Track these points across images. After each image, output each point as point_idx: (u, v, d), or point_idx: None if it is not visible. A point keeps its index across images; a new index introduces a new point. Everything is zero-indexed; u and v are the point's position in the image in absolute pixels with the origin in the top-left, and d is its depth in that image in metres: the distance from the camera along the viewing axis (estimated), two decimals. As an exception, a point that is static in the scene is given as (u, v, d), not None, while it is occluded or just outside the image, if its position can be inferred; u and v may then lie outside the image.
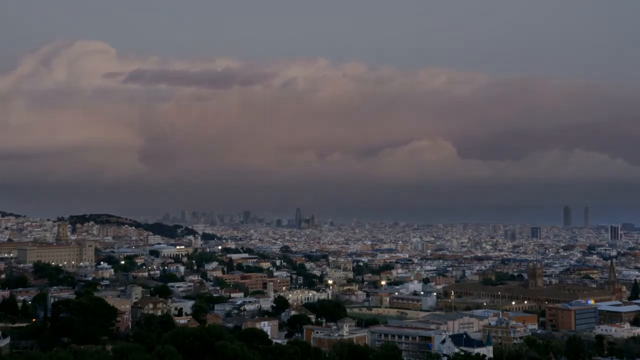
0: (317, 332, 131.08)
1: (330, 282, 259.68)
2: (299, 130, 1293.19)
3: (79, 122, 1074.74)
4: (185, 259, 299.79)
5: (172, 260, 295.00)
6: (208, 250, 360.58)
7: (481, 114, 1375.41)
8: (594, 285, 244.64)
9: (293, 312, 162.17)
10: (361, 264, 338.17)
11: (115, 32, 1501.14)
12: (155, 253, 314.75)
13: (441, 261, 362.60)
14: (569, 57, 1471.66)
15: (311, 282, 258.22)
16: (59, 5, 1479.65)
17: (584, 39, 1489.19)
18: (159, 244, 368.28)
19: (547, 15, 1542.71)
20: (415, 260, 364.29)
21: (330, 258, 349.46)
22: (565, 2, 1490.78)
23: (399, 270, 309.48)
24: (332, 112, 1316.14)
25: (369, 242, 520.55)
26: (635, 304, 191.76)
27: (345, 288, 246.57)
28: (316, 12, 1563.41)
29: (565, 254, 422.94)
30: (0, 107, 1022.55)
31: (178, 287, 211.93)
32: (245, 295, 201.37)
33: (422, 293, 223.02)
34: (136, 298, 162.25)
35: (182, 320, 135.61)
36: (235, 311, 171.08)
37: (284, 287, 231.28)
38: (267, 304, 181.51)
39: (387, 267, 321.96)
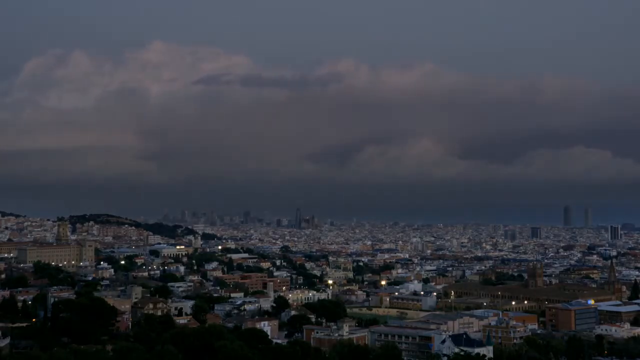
0: (317, 332, 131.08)
1: (330, 282, 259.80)
2: (303, 131, 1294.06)
3: (83, 121, 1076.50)
4: (185, 259, 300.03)
5: (172, 260, 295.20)
6: (208, 250, 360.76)
7: (482, 113, 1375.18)
8: (594, 285, 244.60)
9: (293, 312, 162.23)
10: (361, 264, 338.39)
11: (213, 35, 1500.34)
12: (155, 253, 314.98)
13: (441, 261, 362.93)
14: (569, 56, 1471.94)
15: (311, 282, 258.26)
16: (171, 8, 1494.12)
17: (583, 37, 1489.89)
18: (159, 244, 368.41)
19: (547, 15, 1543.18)
20: (415, 260, 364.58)
21: (330, 258, 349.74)
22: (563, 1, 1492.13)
23: (399, 270, 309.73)
24: (332, 111, 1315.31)
25: (369, 242, 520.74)
26: (635, 304, 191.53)
27: (345, 288, 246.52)
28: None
29: (565, 254, 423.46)
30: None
31: (178, 287, 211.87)
32: (245, 295, 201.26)
33: (422, 293, 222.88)
34: (136, 298, 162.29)
35: (182, 320, 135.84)
36: (235, 311, 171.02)
37: (284, 287, 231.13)
38: (267, 304, 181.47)
39: (387, 267, 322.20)
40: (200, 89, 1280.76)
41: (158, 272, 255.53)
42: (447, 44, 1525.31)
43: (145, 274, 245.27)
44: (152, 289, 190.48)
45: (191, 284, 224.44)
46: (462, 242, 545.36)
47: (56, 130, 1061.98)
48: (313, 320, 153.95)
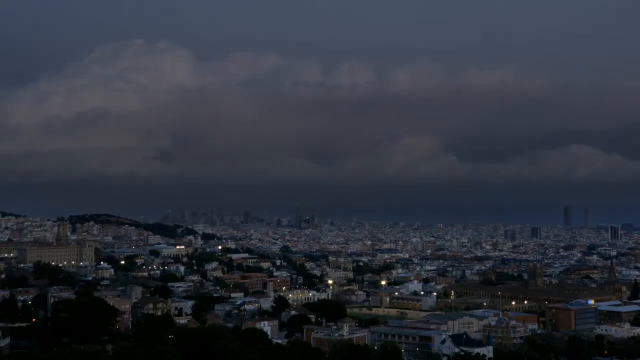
0: (317, 332, 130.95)
1: (330, 282, 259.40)
2: (304, 130, 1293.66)
3: (84, 121, 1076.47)
4: (185, 259, 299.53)
5: (172, 260, 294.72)
6: (208, 250, 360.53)
7: (481, 113, 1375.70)
8: (594, 285, 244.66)
9: (293, 312, 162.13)
10: (361, 264, 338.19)
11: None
12: (155, 253, 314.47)
13: (441, 261, 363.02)
14: (570, 56, 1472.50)
15: (311, 282, 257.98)
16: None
17: (583, 37, 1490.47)
18: (159, 244, 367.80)
19: (544, 18, 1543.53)
20: (415, 260, 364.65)
21: (330, 258, 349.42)
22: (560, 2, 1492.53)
23: (399, 270, 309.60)
24: (334, 110, 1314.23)
25: (369, 242, 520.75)
26: (635, 304, 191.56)
27: (345, 288, 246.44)
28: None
29: (565, 254, 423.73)
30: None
31: (178, 287, 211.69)
32: (245, 295, 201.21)
33: (422, 293, 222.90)
34: (136, 298, 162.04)
35: (182, 320, 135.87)
36: (235, 311, 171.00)
37: (284, 287, 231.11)
38: (267, 304, 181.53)
39: (387, 267, 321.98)
40: (219, 91, 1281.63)
41: (158, 272, 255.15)
42: (440, 41, 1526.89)
43: (145, 274, 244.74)
44: (152, 289, 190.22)
45: (191, 284, 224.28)
46: (462, 242, 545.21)
47: (56, 129, 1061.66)
48: (313, 320, 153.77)
